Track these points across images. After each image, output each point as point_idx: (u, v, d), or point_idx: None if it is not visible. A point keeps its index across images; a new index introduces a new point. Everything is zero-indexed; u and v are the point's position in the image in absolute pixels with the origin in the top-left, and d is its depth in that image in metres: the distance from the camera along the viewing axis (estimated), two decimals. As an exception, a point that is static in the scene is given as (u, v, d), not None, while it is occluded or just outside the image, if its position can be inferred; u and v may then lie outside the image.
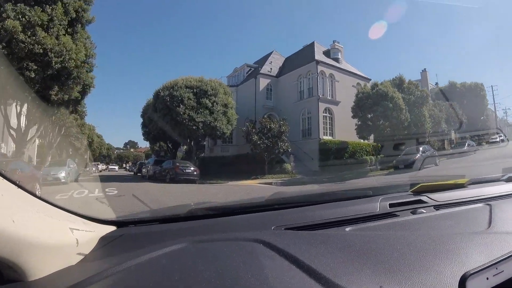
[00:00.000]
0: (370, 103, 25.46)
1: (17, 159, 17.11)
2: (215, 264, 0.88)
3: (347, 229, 1.20)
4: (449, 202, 1.57)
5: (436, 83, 55.78)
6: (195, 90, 26.57)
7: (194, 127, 25.35)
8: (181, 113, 25.21)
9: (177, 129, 26.21)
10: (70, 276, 0.89)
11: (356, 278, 0.78)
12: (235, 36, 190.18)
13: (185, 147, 36.46)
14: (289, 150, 26.23)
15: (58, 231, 0.98)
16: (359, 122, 27.20)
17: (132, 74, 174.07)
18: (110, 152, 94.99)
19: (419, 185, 1.71)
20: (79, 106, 27.58)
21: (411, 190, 1.71)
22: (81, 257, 1.03)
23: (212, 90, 26.94)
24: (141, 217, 1.52)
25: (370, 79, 34.15)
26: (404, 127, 26.02)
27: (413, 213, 1.40)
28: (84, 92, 23.31)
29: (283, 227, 1.24)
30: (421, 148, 23.38)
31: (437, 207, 1.51)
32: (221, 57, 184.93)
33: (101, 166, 60.91)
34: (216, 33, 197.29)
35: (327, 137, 30.11)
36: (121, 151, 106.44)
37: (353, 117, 27.70)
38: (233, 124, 28.53)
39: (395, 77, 29.76)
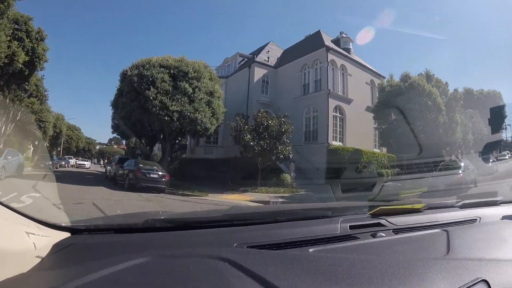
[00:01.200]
0: (402, 100, 19.47)
1: None
2: (185, 284, 0.87)
3: (310, 250, 1.20)
4: (407, 226, 1.60)
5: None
6: (172, 72, 20.79)
7: (167, 118, 19.46)
8: (151, 98, 19.36)
9: (146, 119, 20.41)
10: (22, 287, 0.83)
11: None
12: (227, 23, 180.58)
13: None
14: (291, 156, 20.30)
15: (14, 235, 0.93)
16: (383, 126, 21.56)
17: (107, 59, 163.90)
18: (91, 146, 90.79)
19: (378, 208, 1.74)
20: (27, 85, 23.67)
21: (369, 213, 1.74)
22: (33, 264, 0.96)
23: (195, 72, 21.09)
24: (96, 224, 1.48)
25: (385, 77, 28.34)
26: (439, 133, 20.18)
27: (373, 236, 1.41)
28: (33, 66, 21.40)
29: (245, 245, 1.22)
30: (462, 164, 17.49)
31: (396, 231, 1.52)
32: (211, 47, 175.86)
33: (73, 161, 54.36)
34: (205, 18, 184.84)
35: (337, 143, 24.46)
36: (104, 146, 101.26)
37: (375, 118, 22.20)
38: (220, 118, 22.75)
39: (420, 73, 24.26)
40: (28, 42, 20.15)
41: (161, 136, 23.74)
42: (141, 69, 20.52)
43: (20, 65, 19.63)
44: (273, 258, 1.06)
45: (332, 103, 25.03)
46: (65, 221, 1.37)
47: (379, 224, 1.57)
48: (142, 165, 17.83)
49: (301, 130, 25.61)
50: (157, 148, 47.90)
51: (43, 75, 32.21)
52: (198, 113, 20.26)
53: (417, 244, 1.34)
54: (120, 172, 19.60)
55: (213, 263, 0.98)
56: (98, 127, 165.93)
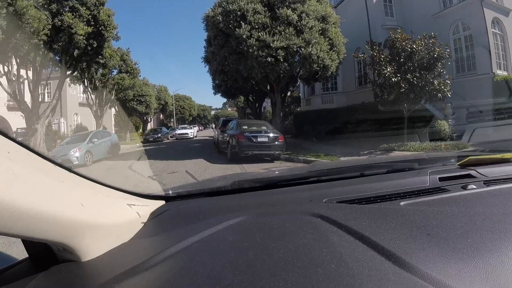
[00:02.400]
0: None
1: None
2: (284, 241, 0.84)
3: (402, 203, 1.12)
4: (499, 178, 1.40)
5: None
6: (265, -1, 15.62)
7: (269, 59, 14.47)
8: (244, 36, 14.57)
9: (244, 67, 15.72)
10: (125, 256, 0.86)
11: (424, 256, 0.73)
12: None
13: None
14: (449, 94, 13.55)
15: (118, 209, 1.00)
16: None
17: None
18: (206, 113, 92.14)
19: (467, 159, 1.62)
20: (101, 58, 20.35)
21: (458, 164, 1.63)
22: (133, 233, 1.00)
23: (297, -7, 15.50)
24: (188, 190, 1.51)
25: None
26: None
27: (464, 188, 1.27)
28: (101, 36, 18.54)
29: (334, 201, 1.18)
30: None
31: (487, 182, 1.35)
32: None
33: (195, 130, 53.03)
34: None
35: (501, 72, 17.12)
36: (219, 111, 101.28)
37: None
38: (341, 52, 17.03)
39: None
40: (85, 10, 16.83)
41: (268, 88, 19.01)
42: (224, 4, 15.84)
43: (81, 38, 16.54)
44: (365, 212, 1.02)
45: (489, 14, 17.46)
46: (158, 190, 1.45)
47: (469, 176, 1.41)
48: (246, 127, 13.61)
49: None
50: (268, 105, 44.20)
51: (129, 48, 30.85)
52: (311, 47, 14.88)
53: (510, 197, 1.16)
54: (222, 138, 15.81)
55: (307, 219, 0.97)
56: (210, 93, 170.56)
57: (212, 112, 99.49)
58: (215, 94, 27.65)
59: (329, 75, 17.98)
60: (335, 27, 16.80)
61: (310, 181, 1.50)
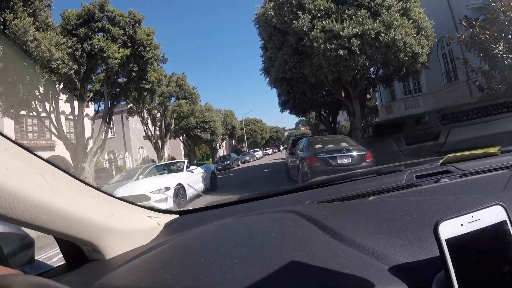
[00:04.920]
0: None
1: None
2: (257, 231, 1.06)
3: (370, 198, 1.25)
4: (475, 170, 1.50)
5: None
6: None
7: (340, 52, 11.21)
8: (304, 28, 11.48)
9: (308, 68, 12.62)
10: (138, 250, 1.06)
11: (368, 234, 0.86)
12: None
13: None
14: None
15: (139, 220, 1.22)
16: None
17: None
18: (278, 134, 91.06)
19: (446, 157, 1.72)
20: (146, 83, 17.89)
21: (440, 163, 1.71)
22: (151, 238, 1.21)
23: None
24: (199, 207, 1.74)
25: None
26: None
27: (436, 182, 1.37)
28: (141, 59, 16.35)
29: (315, 201, 1.33)
30: None
31: (463, 176, 1.44)
32: None
33: (259, 153, 53.82)
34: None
35: None
36: (292, 131, 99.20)
37: None
38: (430, 36, 13.27)
39: None
40: (118, 30, 14.87)
41: (342, 95, 15.54)
42: (277, -3, 12.91)
43: (117, 62, 14.50)
44: (337, 207, 1.15)
45: None
46: (176, 209, 1.67)
47: (447, 172, 1.51)
48: (319, 145, 10.28)
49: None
50: (343, 119, 40.36)
51: (184, 73, 29.27)
52: (394, 31, 11.34)
53: (474, 185, 1.24)
54: (292, 161, 12.45)
55: (282, 216, 1.13)
56: (283, 114, 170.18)
57: (285, 133, 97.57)
58: (282, 111, 25.42)
59: (418, 68, 14.18)
60: (417, 7, 13.12)
61: (305, 189, 1.66)
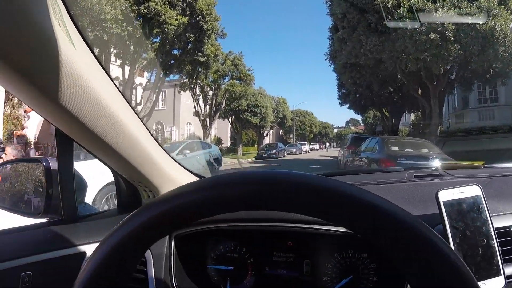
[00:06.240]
0: None
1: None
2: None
3: (380, 185, 1.46)
4: (462, 176, 1.71)
5: None
6: None
7: (432, 35, 9.55)
8: (389, 5, 9.81)
9: (387, 54, 11.09)
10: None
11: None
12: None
13: (412, 116, 24.71)
14: None
15: (185, 175, 1.38)
16: None
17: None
18: (327, 130, 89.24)
19: (441, 164, 1.91)
20: (201, 56, 16.99)
21: (434, 169, 1.88)
22: None
23: None
24: None
25: None
26: None
27: (431, 180, 1.58)
28: (199, 29, 15.64)
29: None
30: None
31: (452, 179, 1.65)
32: None
33: (306, 147, 52.05)
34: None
35: None
36: (341, 129, 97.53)
37: None
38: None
39: None
40: None
41: (419, 92, 13.68)
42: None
43: (173, 28, 13.56)
44: None
45: None
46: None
47: (440, 175, 1.68)
48: (396, 148, 8.72)
49: None
50: (400, 123, 38.20)
51: (241, 52, 28.19)
52: (493, 20, 9.61)
53: (458, 182, 1.46)
54: (353, 161, 11.15)
55: None
56: (333, 110, 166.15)
57: (334, 131, 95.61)
58: (341, 105, 23.99)
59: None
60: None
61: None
